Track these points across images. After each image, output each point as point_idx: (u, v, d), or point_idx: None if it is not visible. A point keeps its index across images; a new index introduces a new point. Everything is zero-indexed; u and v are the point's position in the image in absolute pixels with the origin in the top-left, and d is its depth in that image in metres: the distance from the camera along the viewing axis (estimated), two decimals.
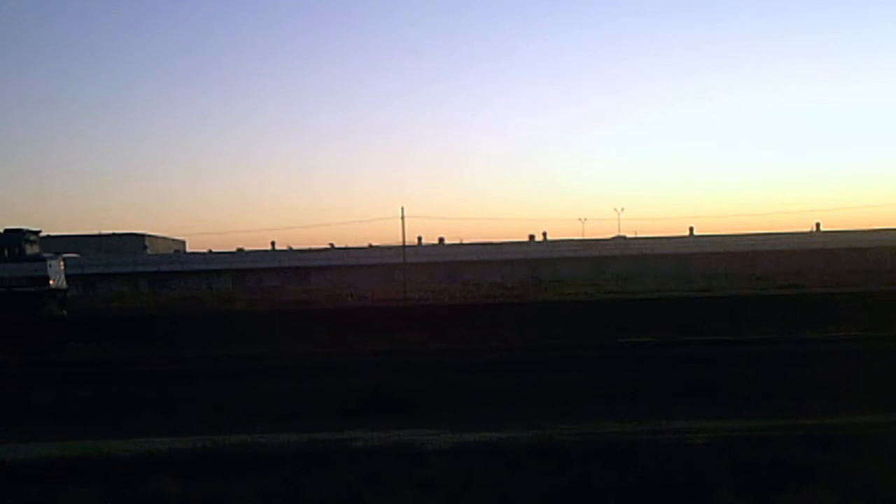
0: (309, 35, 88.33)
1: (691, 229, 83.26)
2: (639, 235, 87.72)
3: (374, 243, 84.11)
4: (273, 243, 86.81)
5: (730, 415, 9.87)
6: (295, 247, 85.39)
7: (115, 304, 49.10)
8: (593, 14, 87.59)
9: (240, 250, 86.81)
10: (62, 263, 35.18)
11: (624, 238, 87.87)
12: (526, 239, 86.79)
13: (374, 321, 24.47)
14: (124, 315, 35.14)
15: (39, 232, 35.15)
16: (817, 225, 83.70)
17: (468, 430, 8.98)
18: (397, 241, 69.89)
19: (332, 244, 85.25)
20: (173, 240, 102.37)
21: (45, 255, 34.72)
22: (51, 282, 32.95)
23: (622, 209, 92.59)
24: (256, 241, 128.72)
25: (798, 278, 48.52)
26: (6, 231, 33.37)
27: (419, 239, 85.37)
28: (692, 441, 7.98)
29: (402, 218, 66.51)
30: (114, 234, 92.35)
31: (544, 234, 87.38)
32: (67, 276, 35.98)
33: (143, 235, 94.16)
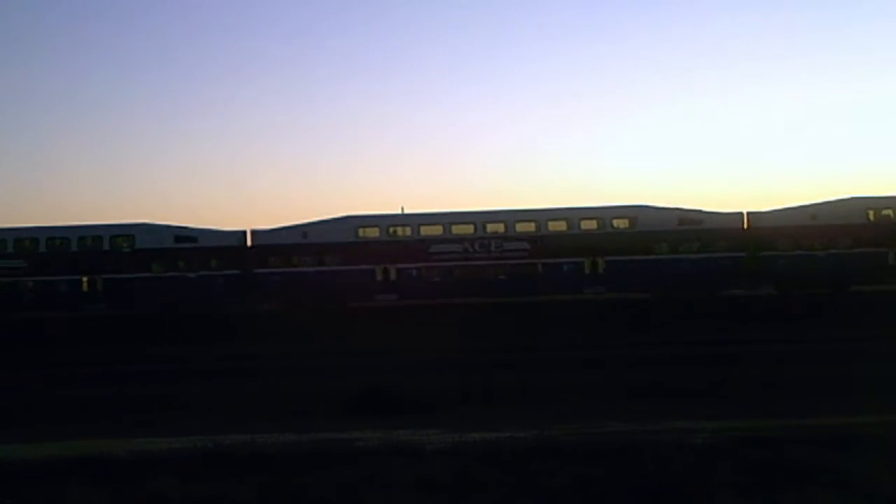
0: (307, 33, 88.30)
1: None
2: None
3: None
4: None
5: (728, 414, 9.88)
6: None
7: None
8: (594, 13, 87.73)
9: None
10: None
11: None
12: None
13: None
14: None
15: None
16: None
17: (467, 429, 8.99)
18: None
19: None
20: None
21: None
22: None
23: None
24: None
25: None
26: None
27: None
28: (692, 441, 7.98)
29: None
30: None
31: None
32: None
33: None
